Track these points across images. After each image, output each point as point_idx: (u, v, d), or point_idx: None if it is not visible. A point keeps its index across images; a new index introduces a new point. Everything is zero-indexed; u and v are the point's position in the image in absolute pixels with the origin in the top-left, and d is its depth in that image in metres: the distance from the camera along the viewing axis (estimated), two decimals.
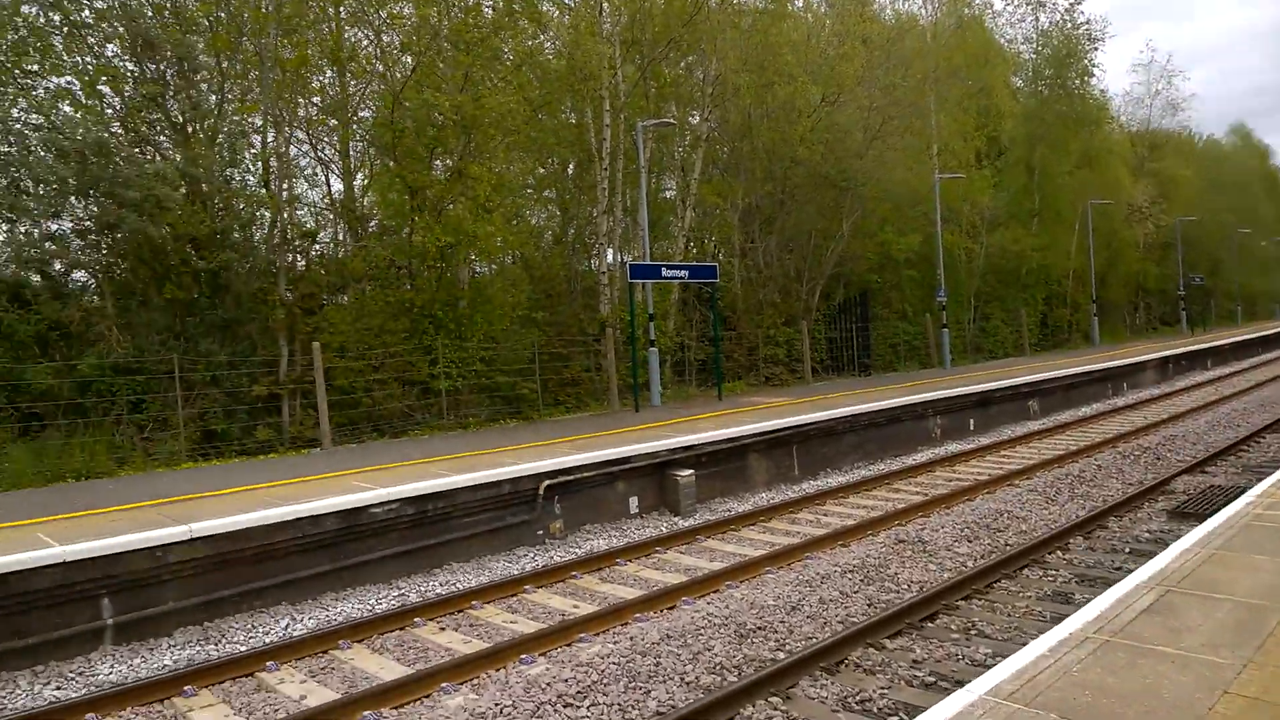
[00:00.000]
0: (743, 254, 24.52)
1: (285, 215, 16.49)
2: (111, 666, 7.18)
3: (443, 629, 7.79)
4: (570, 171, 22.67)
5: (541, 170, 22.27)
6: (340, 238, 18.64)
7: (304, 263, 17.01)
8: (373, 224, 18.28)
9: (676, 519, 11.64)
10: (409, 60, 17.44)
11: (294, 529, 8.77)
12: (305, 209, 18.43)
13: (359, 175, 18.98)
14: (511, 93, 17.45)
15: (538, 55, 19.98)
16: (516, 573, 9.34)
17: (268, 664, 6.95)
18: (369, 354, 15.15)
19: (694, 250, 24.32)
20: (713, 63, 21.89)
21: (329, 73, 18.09)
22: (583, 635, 7.30)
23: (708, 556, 9.83)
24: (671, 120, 20.62)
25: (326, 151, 18.83)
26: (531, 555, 10.15)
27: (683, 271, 18.39)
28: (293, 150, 17.62)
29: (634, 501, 11.68)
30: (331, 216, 18.72)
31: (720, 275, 20.57)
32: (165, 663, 7.28)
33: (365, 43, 18.45)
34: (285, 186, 16.81)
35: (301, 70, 16.84)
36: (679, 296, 21.83)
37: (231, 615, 8.21)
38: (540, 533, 10.58)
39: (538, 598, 8.57)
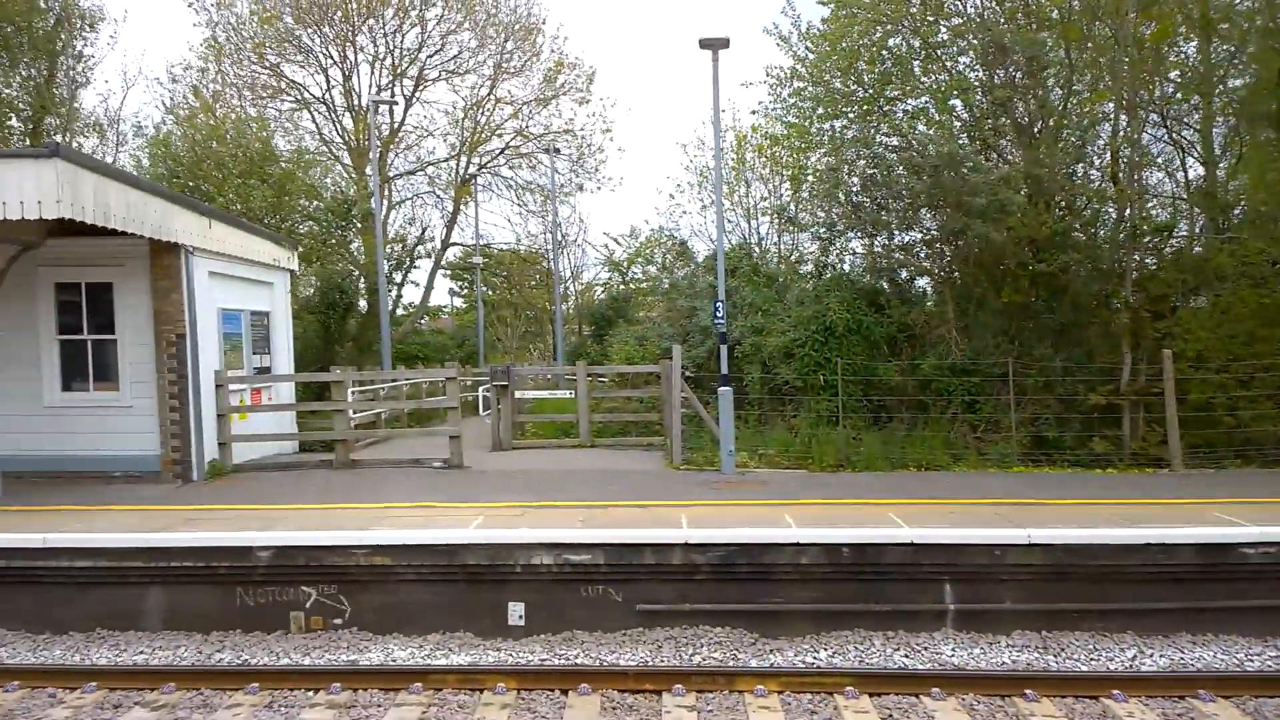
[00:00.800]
0: None
1: (1134, 209, 15.78)
2: (953, 650, 7.83)
3: None
4: None
5: None
6: (1197, 231, 16.98)
7: (1154, 261, 16.01)
8: (1236, 211, 16.18)
9: None
10: None
11: (1141, 554, 8.29)
12: (1154, 201, 17.37)
13: (1224, 156, 17.00)
14: None
15: None
16: None
17: (1113, 692, 6.66)
18: (1233, 366, 13.41)
19: None
20: None
21: (1192, 41, 16.68)
22: None
23: None
24: None
25: (1185, 134, 17.37)
26: None
27: None
28: (1144, 137, 16.77)
29: None
30: (1187, 207, 17.19)
31: None
32: (1004, 660, 7.62)
33: None
34: (1135, 178, 16.09)
35: (1160, 45, 15.88)
36: None
37: (1070, 631, 8.17)
38: None
39: None
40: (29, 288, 12.55)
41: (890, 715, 6.44)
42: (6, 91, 25.06)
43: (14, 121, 25.56)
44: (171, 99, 30.53)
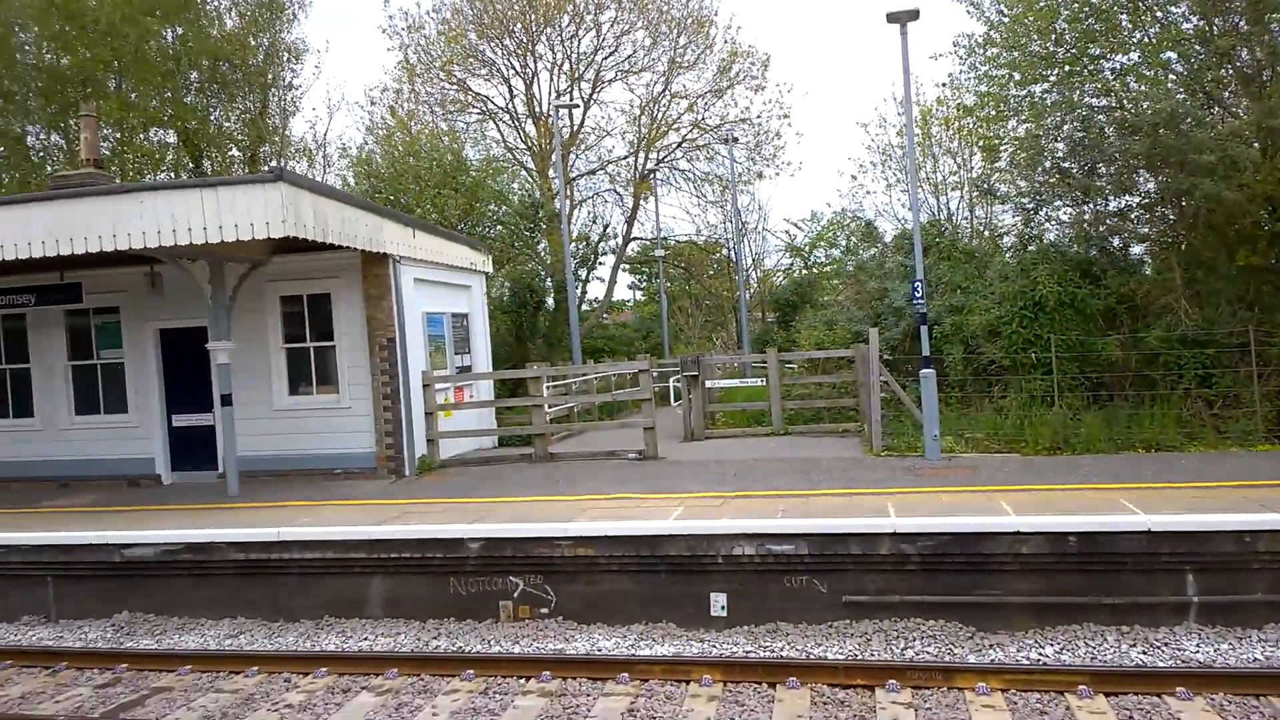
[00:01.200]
0: None
1: None
2: (1198, 645, 7.25)
3: None
4: None
5: None
6: None
7: None
8: None
9: None
10: None
11: None
12: None
13: None
14: None
15: None
16: None
17: None
18: None
19: None
20: None
21: None
22: None
23: None
24: None
25: None
26: None
27: None
28: None
29: None
30: None
31: None
32: (1255, 656, 7.01)
33: None
34: None
35: None
36: None
37: None
38: None
39: None
40: (258, 302, 13.73)
41: (1130, 716, 6.03)
42: (226, 124, 27.80)
43: (234, 151, 28.32)
44: (371, 120, 32.96)
